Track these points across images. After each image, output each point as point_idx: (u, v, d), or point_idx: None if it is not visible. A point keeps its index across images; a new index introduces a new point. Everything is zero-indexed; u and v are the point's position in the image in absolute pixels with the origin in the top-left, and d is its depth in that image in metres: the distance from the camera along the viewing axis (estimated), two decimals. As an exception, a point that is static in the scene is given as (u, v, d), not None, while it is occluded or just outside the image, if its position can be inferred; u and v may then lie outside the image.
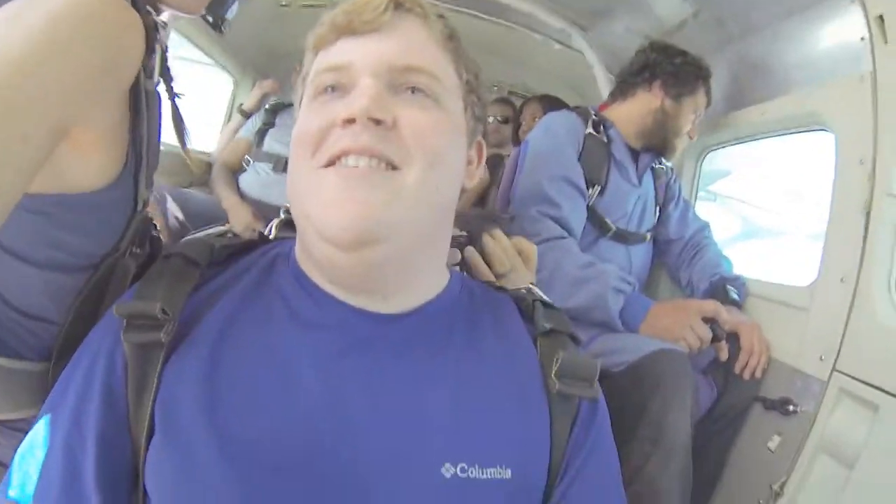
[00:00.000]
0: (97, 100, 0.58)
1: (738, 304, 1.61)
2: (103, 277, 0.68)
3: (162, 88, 0.75)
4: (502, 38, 2.39)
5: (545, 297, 0.76)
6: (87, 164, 0.62)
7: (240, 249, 0.68)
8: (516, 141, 2.54)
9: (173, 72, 0.77)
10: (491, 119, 2.84)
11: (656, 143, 1.73)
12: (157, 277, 0.59)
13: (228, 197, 2.13)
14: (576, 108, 1.80)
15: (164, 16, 0.71)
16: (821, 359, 1.32)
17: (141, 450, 0.52)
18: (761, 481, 1.38)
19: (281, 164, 2.17)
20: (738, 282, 1.67)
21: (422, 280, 0.65)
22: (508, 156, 2.29)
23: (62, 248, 0.64)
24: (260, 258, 0.67)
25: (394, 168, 0.56)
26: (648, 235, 1.84)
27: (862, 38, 1.28)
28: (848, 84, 1.34)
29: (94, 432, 0.52)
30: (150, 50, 0.65)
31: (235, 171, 2.31)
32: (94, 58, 0.55)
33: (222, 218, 2.04)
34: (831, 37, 1.41)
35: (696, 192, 2.07)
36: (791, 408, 1.36)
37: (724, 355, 1.47)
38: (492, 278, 0.90)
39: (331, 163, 0.56)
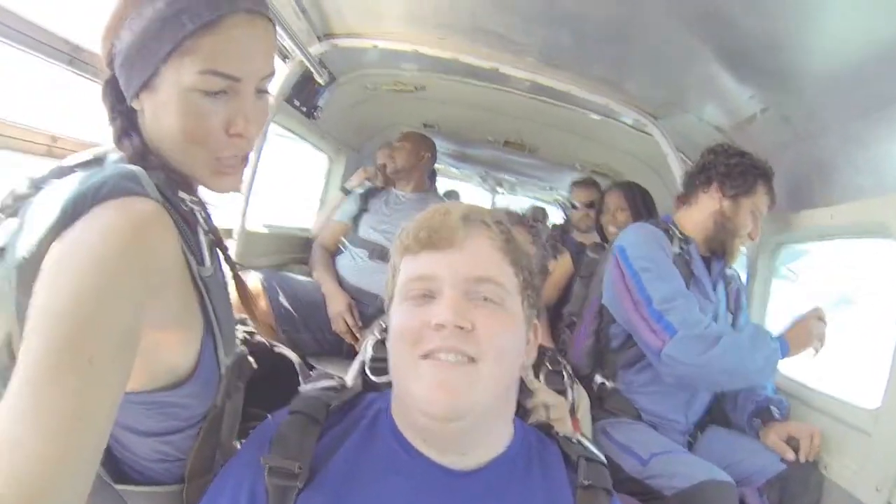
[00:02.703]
0: (151, 306, 0.66)
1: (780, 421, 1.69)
2: (215, 419, 0.86)
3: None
4: (580, 121, 2.48)
5: (591, 451, 0.90)
6: (171, 354, 0.76)
7: (349, 402, 0.89)
8: (599, 229, 2.55)
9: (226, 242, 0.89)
10: (577, 204, 2.86)
11: (717, 247, 1.78)
12: (289, 433, 0.80)
13: (327, 282, 2.38)
14: (658, 224, 1.85)
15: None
16: (877, 489, 1.30)
17: None
18: None
19: (376, 253, 2.40)
20: (782, 404, 1.74)
21: (492, 439, 0.84)
22: (591, 246, 2.35)
23: (171, 420, 0.81)
24: (365, 411, 0.88)
25: (472, 360, 0.76)
26: None
27: (933, 151, 1.23)
28: None
29: None
30: (193, 237, 0.76)
31: (332, 252, 2.57)
32: (134, 282, 0.63)
33: (321, 303, 2.30)
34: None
35: (770, 286, 2.04)
36: (845, 535, 1.34)
37: (790, 456, 1.56)
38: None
39: (426, 356, 0.77)
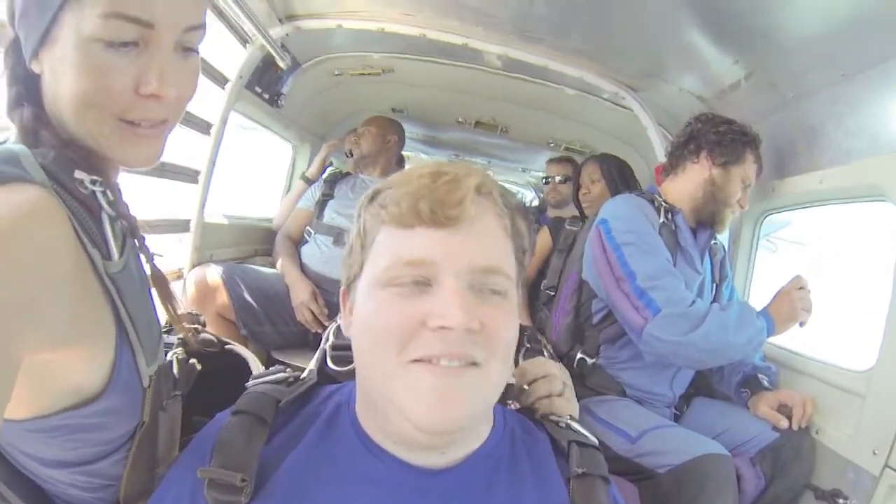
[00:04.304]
0: (34, 321, 0.54)
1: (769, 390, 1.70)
2: (145, 437, 0.75)
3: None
4: (555, 97, 2.43)
5: (582, 434, 0.82)
6: (74, 372, 0.63)
7: (302, 396, 0.79)
8: (577, 203, 2.55)
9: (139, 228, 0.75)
10: (550, 180, 2.88)
11: (707, 217, 1.77)
12: (232, 438, 0.69)
13: (290, 271, 2.31)
14: (642, 194, 1.82)
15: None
16: (874, 452, 1.30)
17: None
18: (809, 573, 1.36)
19: (341, 238, 2.34)
20: (770, 371, 1.75)
21: (475, 434, 0.75)
22: (570, 219, 2.32)
23: (87, 447, 0.69)
24: (321, 407, 0.77)
25: (475, 364, 0.65)
26: None
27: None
28: None
29: None
30: (96, 225, 0.65)
31: (297, 241, 2.50)
32: (5, 298, 0.50)
33: (285, 295, 2.22)
34: (891, 102, 1.35)
35: (755, 256, 2.05)
36: (842, 501, 1.37)
37: (783, 424, 1.56)
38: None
39: (419, 360, 0.64)
